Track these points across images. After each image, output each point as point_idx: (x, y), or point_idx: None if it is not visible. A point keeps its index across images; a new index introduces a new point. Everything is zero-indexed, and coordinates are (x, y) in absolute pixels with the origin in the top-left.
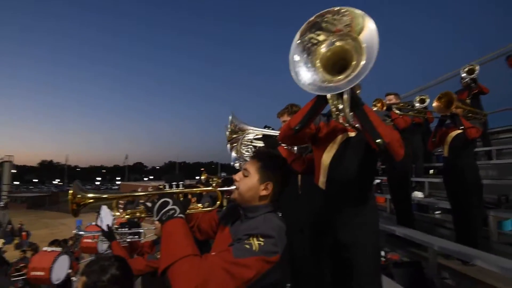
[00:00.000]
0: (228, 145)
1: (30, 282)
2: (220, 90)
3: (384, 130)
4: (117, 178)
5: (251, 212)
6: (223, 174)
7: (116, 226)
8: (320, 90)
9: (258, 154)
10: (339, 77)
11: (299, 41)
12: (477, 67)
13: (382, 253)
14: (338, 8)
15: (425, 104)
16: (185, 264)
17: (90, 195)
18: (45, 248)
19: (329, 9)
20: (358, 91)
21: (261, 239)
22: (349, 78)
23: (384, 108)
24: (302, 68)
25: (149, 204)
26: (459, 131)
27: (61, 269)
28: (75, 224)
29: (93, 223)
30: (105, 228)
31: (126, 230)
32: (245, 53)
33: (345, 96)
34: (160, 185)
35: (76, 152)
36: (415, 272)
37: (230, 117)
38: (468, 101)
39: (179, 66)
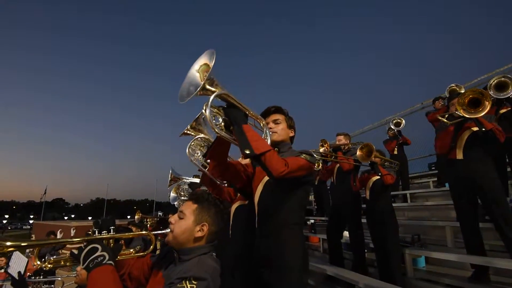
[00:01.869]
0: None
1: None
2: (155, 124)
3: (260, 144)
4: (31, 216)
5: (186, 254)
6: (159, 213)
7: (28, 273)
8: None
9: (194, 196)
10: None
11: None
12: (403, 121)
13: None
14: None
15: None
16: None
17: (8, 243)
18: None
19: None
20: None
21: (193, 282)
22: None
23: (329, 149)
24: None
25: (75, 251)
26: (377, 177)
27: None
28: None
29: None
30: (15, 276)
31: (40, 278)
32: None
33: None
34: (88, 231)
35: None
36: None
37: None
38: (395, 149)
39: (109, 97)
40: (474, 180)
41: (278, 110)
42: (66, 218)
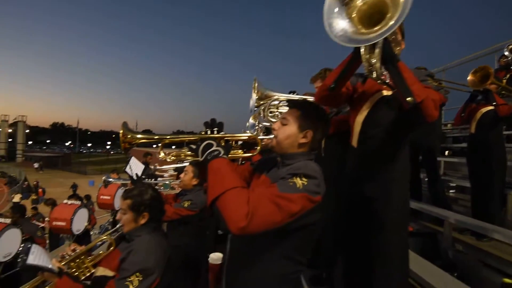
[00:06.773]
0: (252, 116)
1: (52, 231)
2: (240, 52)
3: (418, 89)
4: None
5: (289, 159)
6: None
7: (142, 176)
8: (350, 42)
9: (297, 104)
10: (371, 30)
11: None
12: None
13: None
14: None
15: None
16: (235, 194)
17: (140, 135)
18: (65, 201)
19: None
20: (398, 48)
21: (304, 179)
22: (381, 31)
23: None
24: (336, 20)
25: (193, 146)
26: (489, 108)
27: (80, 221)
28: (88, 184)
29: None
30: (134, 176)
31: (152, 180)
32: (270, 12)
33: (377, 50)
34: (201, 131)
35: (87, 115)
36: (430, 243)
37: (256, 84)
38: (504, 81)
39: (200, 26)
40: None
41: None
42: (154, 146)
